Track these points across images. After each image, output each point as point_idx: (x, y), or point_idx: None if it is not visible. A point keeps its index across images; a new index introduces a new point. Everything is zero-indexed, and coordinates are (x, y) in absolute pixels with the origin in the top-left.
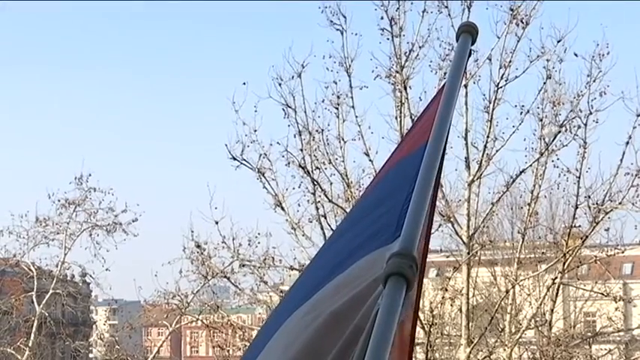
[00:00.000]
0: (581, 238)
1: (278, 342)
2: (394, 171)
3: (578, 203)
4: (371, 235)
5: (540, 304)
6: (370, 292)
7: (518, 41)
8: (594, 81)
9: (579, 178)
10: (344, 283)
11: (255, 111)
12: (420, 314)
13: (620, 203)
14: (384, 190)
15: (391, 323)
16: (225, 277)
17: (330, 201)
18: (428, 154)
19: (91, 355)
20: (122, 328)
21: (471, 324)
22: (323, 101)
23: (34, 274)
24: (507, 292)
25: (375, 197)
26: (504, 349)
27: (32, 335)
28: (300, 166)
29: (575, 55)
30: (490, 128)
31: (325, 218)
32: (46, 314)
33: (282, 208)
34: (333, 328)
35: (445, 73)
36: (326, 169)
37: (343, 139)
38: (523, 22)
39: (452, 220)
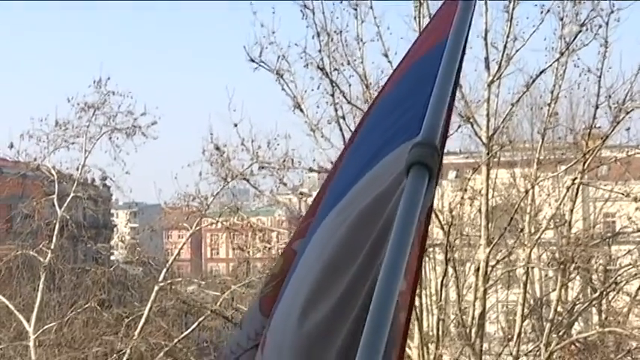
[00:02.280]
0: (602, 139)
1: (315, 245)
2: (414, 68)
3: (599, 103)
4: (396, 132)
5: (560, 205)
6: (397, 186)
7: None
8: None
9: (600, 77)
10: (372, 180)
11: (273, 12)
12: (439, 215)
13: None
14: (406, 88)
15: (414, 212)
16: (244, 179)
17: (348, 102)
18: (449, 49)
19: (112, 258)
20: (143, 231)
21: (490, 225)
22: (341, 2)
23: (54, 178)
24: (527, 192)
25: (396, 95)
26: (523, 250)
27: (54, 238)
28: (318, 67)
29: None
30: (510, 28)
31: (344, 119)
32: (68, 217)
33: (301, 110)
34: (365, 225)
35: None
36: (344, 70)
37: (362, 40)
38: None
39: (471, 120)
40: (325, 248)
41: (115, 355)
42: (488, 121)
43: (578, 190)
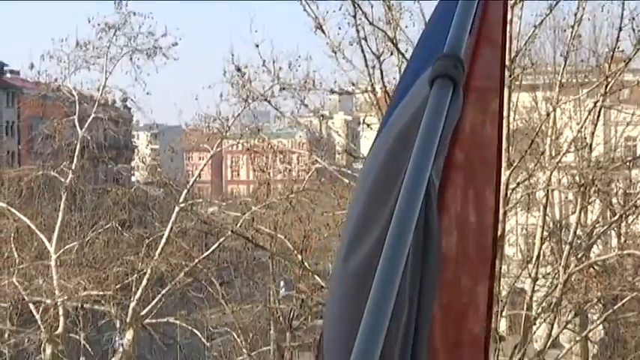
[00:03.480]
0: (624, 62)
1: (361, 178)
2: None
3: (622, 26)
4: (427, 57)
5: (581, 128)
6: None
7: None
8: None
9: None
10: (405, 104)
11: None
12: None
13: None
14: (443, 12)
15: (437, 123)
16: (265, 100)
17: (370, 23)
18: None
19: (133, 179)
20: (163, 152)
21: (510, 147)
22: None
23: (75, 99)
24: (548, 115)
25: (433, 22)
26: (544, 172)
27: (75, 159)
28: None
29: None
30: None
31: (366, 41)
32: (88, 138)
33: (323, 31)
34: (400, 150)
35: None
36: None
37: None
38: None
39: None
40: (367, 180)
41: (135, 275)
42: (510, 43)
43: (599, 113)
